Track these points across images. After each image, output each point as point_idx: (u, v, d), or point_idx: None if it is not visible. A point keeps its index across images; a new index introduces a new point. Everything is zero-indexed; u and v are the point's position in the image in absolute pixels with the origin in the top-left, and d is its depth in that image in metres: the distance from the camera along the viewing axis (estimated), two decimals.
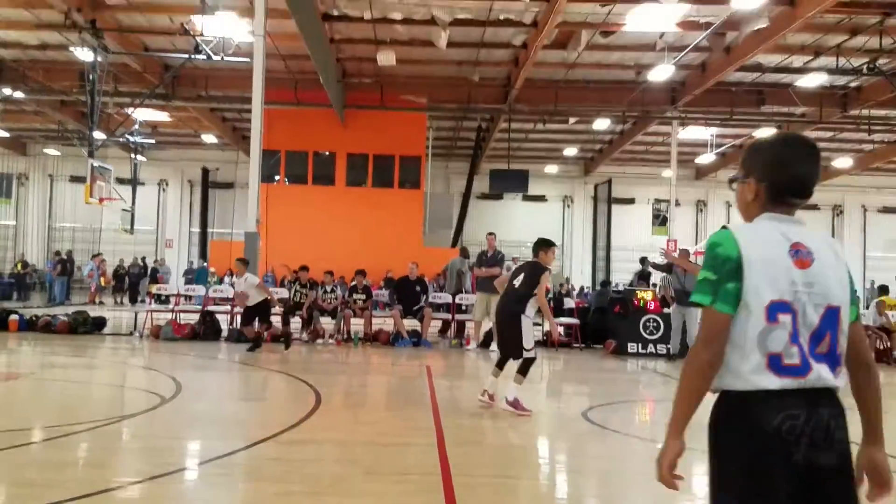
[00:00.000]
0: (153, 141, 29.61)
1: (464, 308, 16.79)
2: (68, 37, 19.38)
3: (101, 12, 18.97)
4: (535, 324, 17.14)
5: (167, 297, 19.32)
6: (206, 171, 36.09)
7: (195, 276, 28.90)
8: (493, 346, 15.14)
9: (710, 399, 2.44)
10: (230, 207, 34.70)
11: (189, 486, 5.59)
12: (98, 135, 21.20)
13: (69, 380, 10.55)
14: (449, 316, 16.75)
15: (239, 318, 14.89)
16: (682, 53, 19.82)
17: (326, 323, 16.19)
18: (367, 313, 16.16)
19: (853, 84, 23.14)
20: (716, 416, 2.43)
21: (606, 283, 22.33)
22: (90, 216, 32.11)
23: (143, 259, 32.04)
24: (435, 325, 16.85)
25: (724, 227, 2.50)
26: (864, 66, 19.68)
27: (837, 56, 19.81)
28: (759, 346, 2.34)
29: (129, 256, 31.56)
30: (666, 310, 15.33)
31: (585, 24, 18.90)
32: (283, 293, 17.05)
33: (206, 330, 15.64)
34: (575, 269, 37.70)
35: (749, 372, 2.34)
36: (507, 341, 8.50)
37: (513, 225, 37.21)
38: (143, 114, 26.03)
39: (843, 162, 33.09)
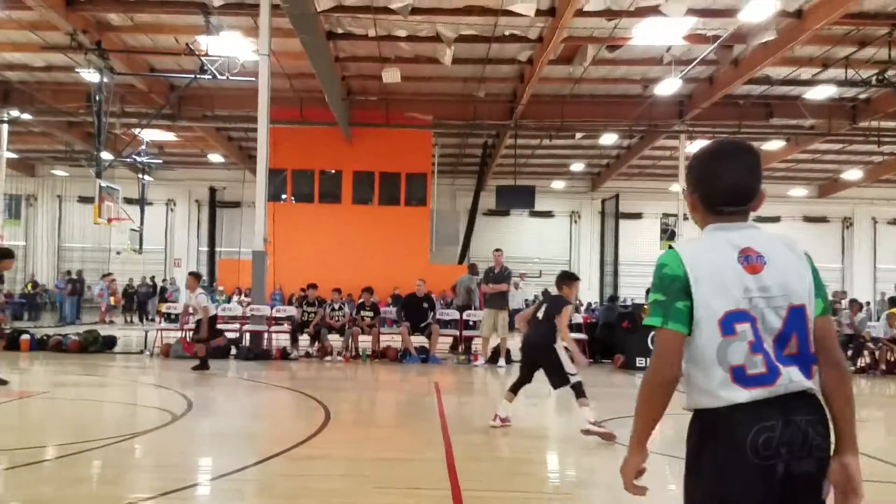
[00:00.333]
0: (160, 161, 29.74)
1: (471, 324, 16.77)
2: (74, 58, 19.49)
3: (106, 34, 19.10)
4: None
5: (176, 315, 19.34)
6: (213, 191, 36.26)
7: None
8: (501, 361, 15.19)
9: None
10: (237, 226, 34.83)
11: (201, 502, 5.60)
12: (105, 155, 21.28)
13: (81, 398, 10.56)
14: (457, 332, 16.71)
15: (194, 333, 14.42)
16: (690, 67, 19.82)
17: (334, 340, 16.19)
18: (374, 330, 16.16)
19: (862, 96, 23.09)
20: (690, 434, 2.42)
21: (614, 298, 22.27)
22: (99, 236, 32.22)
23: (153, 278, 32.17)
24: (445, 342, 16.82)
25: (670, 247, 2.49)
26: (873, 78, 19.61)
27: (846, 68, 19.75)
28: (720, 361, 2.31)
29: (138, 276, 31.66)
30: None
31: (591, 39, 18.90)
32: (292, 311, 17.07)
33: (216, 348, 15.63)
34: (582, 285, 37.36)
35: (715, 388, 2.31)
36: (550, 373, 8.32)
37: (520, 241, 37.27)
38: (149, 134, 26.15)
39: (852, 174, 33.09)
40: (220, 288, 28.13)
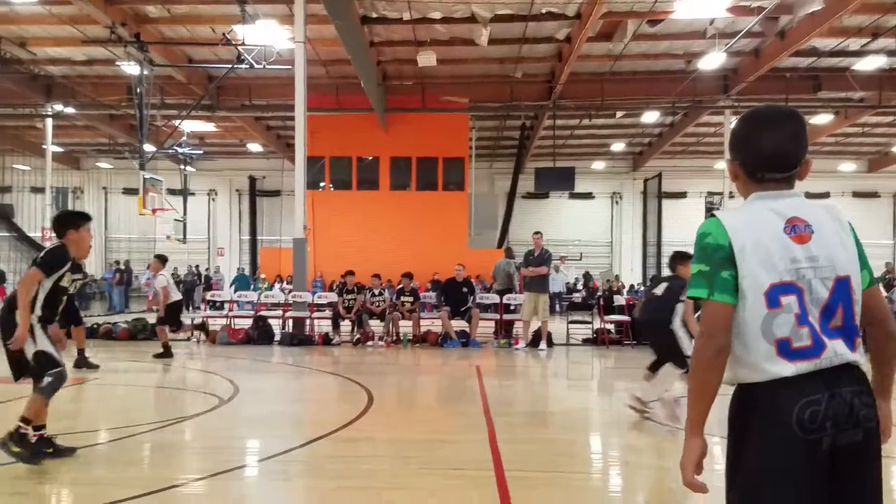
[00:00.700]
0: (201, 151, 30.02)
1: (512, 308, 16.73)
2: (114, 51, 19.74)
3: (144, 26, 19.33)
4: (584, 322, 17.24)
5: (221, 303, 19.61)
6: (252, 180, 36.57)
7: (235, 282, 29.29)
8: (542, 345, 15.14)
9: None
10: (278, 215, 35.11)
11: (250, 483, 5.69)
12: (148, 147, 21.58)
13: (131, 384, 10.77)
14: (497, 316, 16.69)
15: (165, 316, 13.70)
16: (734, 40, 19.34)
17: (375, 325, 16.27)
18: (415, 315, 16.19)
19: None
20: (734, 410, 2.37)
21: (657, 277, 22.06)
22: (144, 227, 32.71)
23: (197, 267, 32.60)
24: (486, 326, 16.82)
25: (712, 215, 2.42)
26: None
27: None
28: (765, 334, 2.26)
29: (182, 265, 32.08)
30: None
31: (631, 14, 18.55)
32: (333, 297, 17.18)
33: (260, 334, 15.83)
34: (625, 267, 37.32)
35: (760, 362, 2.27)
36: (666, 352, 8.04)
37: (560, 224, 37.07)
38: (190, 125, 26.42)
39: None
40: (262, 276, 28.44)
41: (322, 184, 27.52)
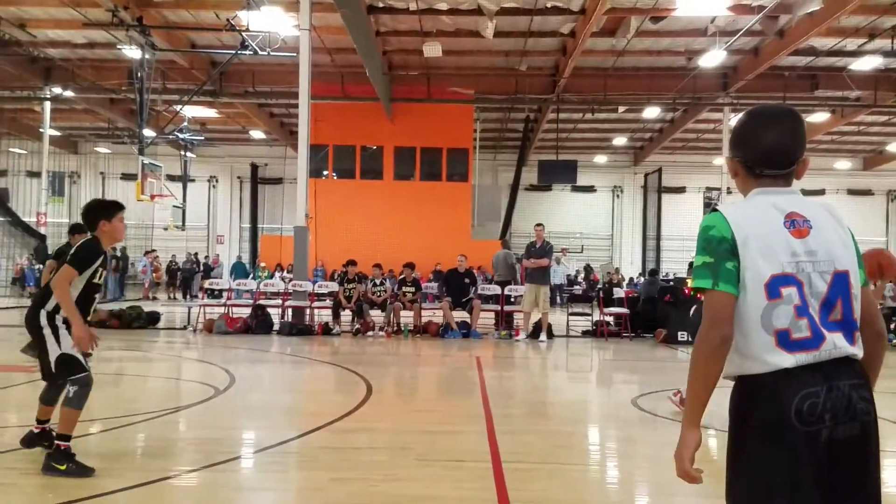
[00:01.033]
0: (202, 137, 29.99)
1: (513, 299, 16.70)
2: (116, 35, 19.64)
3: (147, 10, 19.20)
4: (584, 314, 17.25)
5: (220, 291, 19.57)
6: (254, 167, 36.46)
7: (232, 270, 29.26)
8: (543, 336, 15.13)
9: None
10: (279, 203, 35.03)
11: (245, 474, 5.65)
12: (148, 132, 21.52)
13: (126, 373, 10.72)
14: (498, 307, 16.67)
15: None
16: (734, 38, 19.40)
17: (376, 315, 16.24)
18: (416, 306, 16.17)
19: None
20: (734, 403, 2.38)
21: (655, 272, 22.05)
22: (142, 213, 32.58)
23: (196, 255, 32.53)
24: (487, 318, 16.80)
25: (714, 209, 2.45)
26: None
27: (893, 38, 19.28)
28: (765, 325, 2.28)
29: (181, 252, 32.04)
30: None
31: (635, 10, 18.57)
32: (334, 287, 17.15)
33: (258, 323, 15.79)
34: (625, 260, 37.39)
35: (760, 353, 2.29)
36: None
37: (562, 216, 37.09)
38: (191, 111, 26.36)
39: None
40: (263, 264, 28.41)
41: (325, 172, 27.46)
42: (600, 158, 36.70)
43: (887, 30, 19.18)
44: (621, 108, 26.86)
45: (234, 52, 19.24)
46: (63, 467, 5.10)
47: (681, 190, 37.44)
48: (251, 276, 26.78)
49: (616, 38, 20.66)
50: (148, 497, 4.86)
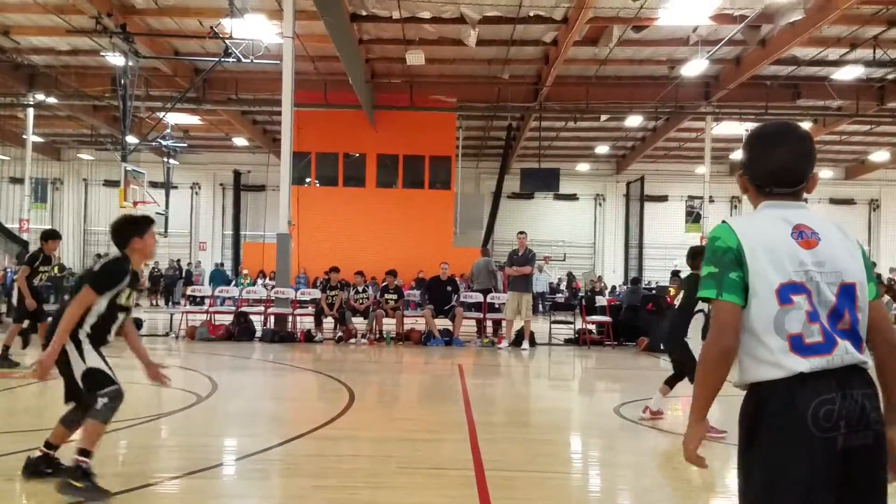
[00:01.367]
0: (185, 145, 29.84)
1: (496, 307, 16.74)
2: (99, 42, 19.59)
3: (130, 17, 19.18)
4: (567, 322, 17.30)
5: (202, 298, 19.50)
6: (237, 174, 36.37)
7: (211, 277, 29.13)
8: (525, 344, 15.16)
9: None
10: (262, 210, 34.97)
11: (226, 482, 5.64)
12: (131, 139, 21.43)
13: None
14: (480, 315, 16.69)
15: None
16: (717, 47, 19.57)
17: (358, 323, 16.23)
18: (398, 313, 16.16)
19: (890, 76, 22.72)
20: (747, 411, 2.41)
21: (637, 280, 22.20)
22: None
23: (178, 261, 32.37)
24: (469, 325, 16.82)
25: (723, 222, 2.52)
26: None
27: (874, 48, 19.51)
28: (778, 330, 2.32)
29: (163, 259, 31.86)
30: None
31: (617, 19, 18.69)
32: (316, 294, 17.13)
33: (241, 331, 15.73)
34: (607, 268, 37.52)
35: (774, 358, 2.32)
36: (686, 369, 7.92)
37: (544, 224, 37.19)
38: (174, 118, 26.26)
39: (880, 156, 32.67)
40: (245, 271, 28.32)
41: (308, 179, 27.45)
42: (583, 167, 36.83)
43: (868, 40, 19.40)
44: (604, 117, 27.00)
45: (217, 59, 19.19)
46: (80, 485, 4.77)
47: (663, 198, 37.64)
48: (233, 283, 26.68)
49: (598, 47, 20.77)
50: None
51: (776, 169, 2.50)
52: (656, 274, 33.37)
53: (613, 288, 32.05)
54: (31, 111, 26.63)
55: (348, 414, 7.97)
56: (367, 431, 7.21)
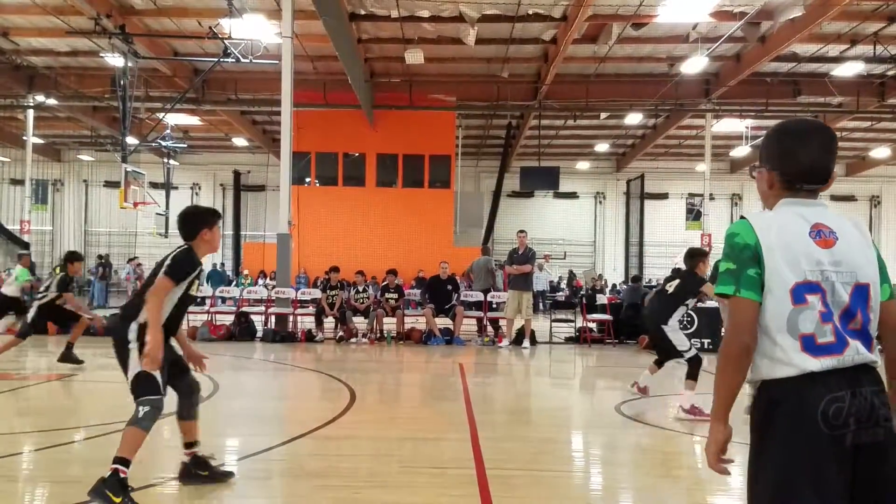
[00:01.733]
0: (185, 145, 29.78)
1: (495, 306, 16.73)
2: (98, 43, 19.56)
3: (129, 18, 19.16)
4: (567, 320, 17.30)
5: (203, 299, 19.49)
6: (237, 175, 36.38)
7: (208, 278, 29.11)
8: (526, 343, 15.17)
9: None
10: (262, 210, 34.99)
11: (229, 481, 5.61)
12: (131, 140, 21.40)
13: (109, 380, 10.63)
14: (481, 314, 16.69)
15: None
16: (716, 44, 19.51)
17: (359, 322, 16.23)
18: (399, 312, 16.16)
19: (891, 73, 22.64)
20: (757, 408, 2.41)
21: (638, 278, 22.17)
22: (125, 220, 32.50)
23: None
24: (470, 324, 16.82)
25: (742, 217, 2.52)
26: None
27: (875, 44, 19.44)
28: (790, 330, 2.34)
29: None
30: (700, 304, 15.10)
31: (616, 17, 18.67)
32: (317, 294, 17.13)
33: (242, 331, 15.74)
34: (608, 266, 37.52)
35: (786, 357, 2.33)
36: (663, 352, 8.54)
37: (544, 223, 37.19)
38: (174, 118, 26.25)
39: (880, 152, 32.62)
40: (246, 271, 28.32)
41: (308, 179, 27.44)
42: (582, 165, 36.81)
43: (869, 36, 19.33)
44: (603, 115, 26.98)
45: (216, 59, 19.17)
46: (118, 500, 4.62)
47: (663, 196, 37.62)
48: (233, 283, 26.68)
49: (598, 45, 20.74)
50: None
51: (809, 165, 2.51)
52: (657, 272, 33.33)
53: (614, 286, 32.04)
54: (30, 112, 26.61)
55: (349, 413, 7.97)
56: (369, 431, 7.22)
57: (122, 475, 4.69)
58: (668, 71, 23.15)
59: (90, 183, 37.39)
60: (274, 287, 17.77)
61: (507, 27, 19.74)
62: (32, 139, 28.18)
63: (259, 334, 15.93)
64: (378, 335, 15.90)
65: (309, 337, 15.68)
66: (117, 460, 4.74)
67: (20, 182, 29.64)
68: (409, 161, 27.48)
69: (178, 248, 5.15)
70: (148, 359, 4.81)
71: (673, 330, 8.31)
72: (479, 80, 24.55)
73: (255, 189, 36.75)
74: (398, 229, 26.25)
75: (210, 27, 17.90)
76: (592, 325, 16.63)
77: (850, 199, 37.60)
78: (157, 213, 26.07)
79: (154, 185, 25.64)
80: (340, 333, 15.79)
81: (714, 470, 2.48)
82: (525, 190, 33.65)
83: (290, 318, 16.49)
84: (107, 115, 27.71)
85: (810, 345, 2.32)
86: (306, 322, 16.74)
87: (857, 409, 2.27)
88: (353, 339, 15.66)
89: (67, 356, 11.30)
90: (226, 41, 18.02)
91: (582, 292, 23.46)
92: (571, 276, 33.65)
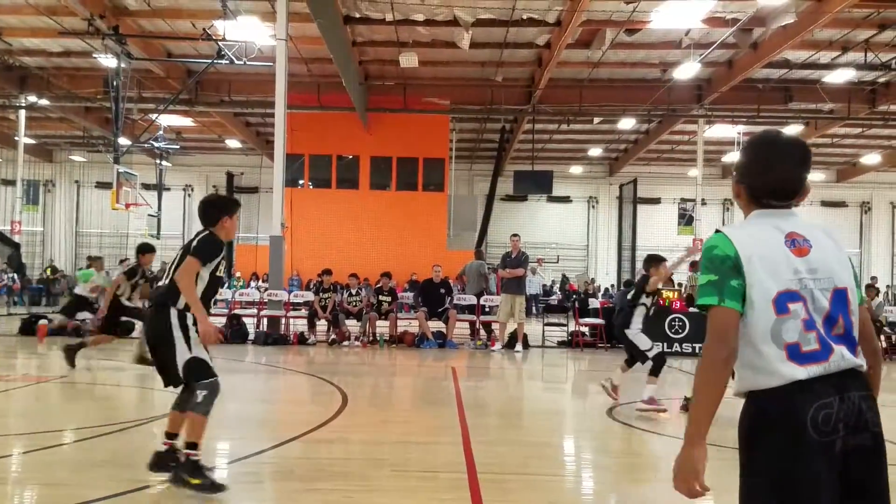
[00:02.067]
0: (178, 146, 29.80)
1: (487, 309, 16.75)
2: (91, 43, 19.53)
3: (123, 18, 19.12)
4: (560, 324, 17.32)
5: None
6: (230, 176, 36.22)
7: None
8: (518, 346, 15.18)
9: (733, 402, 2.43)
10: (255, 212, 34.89)
11: None
12: (123, 141, 21.36)
13: (99, 382, 10.64)
14: (473, 317, 16.69)
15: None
16: (709, 51, 19.62)
17: (351, 325, 16.22)
18: (392, 315, 16.16)
19: (882, 79, 22.80)
20: (746, 419, 2.40)
21: (630, 282, 22.17)
22: (117, 222, 32.40)
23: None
24: (463, 328, 16.82)
25: (717, 231, 2.52)
26: (893, 61, 19.43)
27: (866, 51, 19.51)
28: (775, 339, 2.33)
29: (156, 262, 31.69)
30: (692, 309, 15.17)
31: (610, 23, 18.74)
32: (310, 296, 17.12)
33: (234, 333, 15.69)
34: (600, 270, 37.54)
35: (772, 367, 2.33)
36: (631, 353, 8.89)
37: (537, 226, 37.16)
38: (167, 119, 26.21)
39: (871, 158, 32.77)
40: (238, 274, 28.26)
41: (301, 182, 27.41)
42: (576, 169, 36.87)
43: (860, 43, 19.42)
44: (596, 120, 27.01)
45: (210, 61, 19.17)
46: (197, 482, 4.91)
47: (656, 201, 37.69)
48: (225, 285, 26.62)
49: (591, 50, 20.81)
50: None
51: (775, 183, 2.51)
52: None
53: (606, 290, 32.08)
54: (22, 113, 26.54)
55: (341, 417, 7.95)
56: (360, 434, 7.21)
57: (193, 458, 4.96)
58: (660, 76, 23.24)
59: (82, 184, 37.21)
60: (266, 289, 17.74)
61: (501, 31, 19.77)
62: (24, 139, 28.09)
63: (251, 337, 15.89)
64: (371, 338, 15.89)
65: (301, 340, 15.66)
66: (188, 445, 5.00)
67: (11, 182, 29.49)
68: (403, 164, 27.49)
69: (201, 232, 5.26)
70: (205, 335, 4.95)
71: (635, 333, 8.69)
72: (474, 84, 24.58)
73: (248, 191, 36.61)
74: (391, 232, 26.24)
75: (204, 29, 17.90)
76: (585, 330, 16.65)
77: (840, 205, 37.74)
78: (150, 215, 26.03)
79: (146, 187, 25.61)
80: (333, 336, 15.78)
81: (683, 492, 2.36)
82: (518, 194, 33.67)
83: (283, 320, 16.46)
84: (99, 116, 27.65)
85: (795, 353, 2.32)
86: (299, 325, 16.71)
87: (845, 415, 2.27)
88: (346, 342, 15.65)
89: (72, 354, 11.08)
90: (220, 43, 18.02)
91: (574, 296, 23.49)
92: (564, 280, 33.67)
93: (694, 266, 21.89)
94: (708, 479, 2.33)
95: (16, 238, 27.85)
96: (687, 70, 20.75)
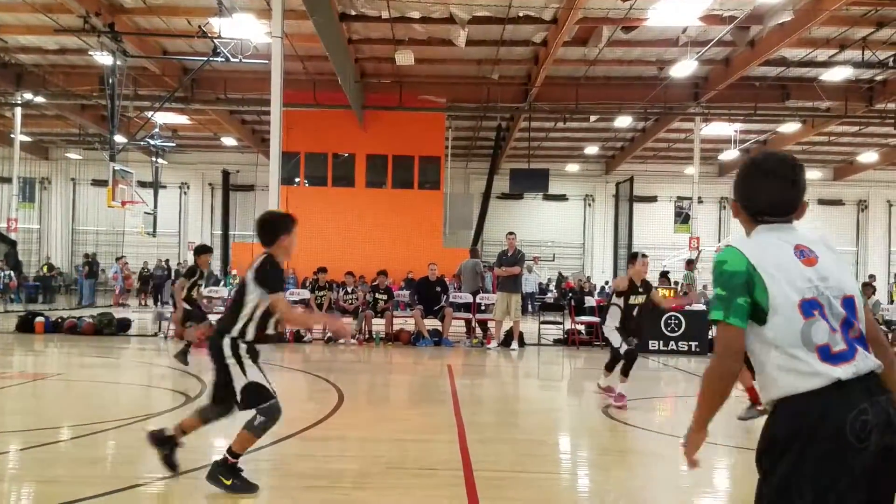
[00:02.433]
0: (174, 144, 29.72)
1: (483, 308, 16.74)
2: (87, 41, 19.51)
3: (119, 16, 19.11)
4: (556, 322, 17.33)
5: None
6: (226, 174, 36.21)
7: None
8: (514, 344, 15.18)
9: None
10: (251, 210, 34.83)
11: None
12: (119, 138, 21.32)
13: (95, 380, 10.62)
14: (469, 315, 16.68)
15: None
16: (706, 48, 19.63)
17: (348, 323, 16.19)
18: (388, 313, 16.15)
19: (879, 78, 22.83)
20: (779, 424, 2.41)
21: None
22: (113, 219, 32.34)
23: (167, 261, 32.23)
24: (459, 326, 16.81)
25: (728, 246, 2.59)
26: (891, 59, 19.40)
27: (863, 49, 19.54)
28: (805, 343, 2.38)
29: (152, 259, 31.76)
30: (689, 307, 15.17)
31: (606, 20, 18.73)
32: (305, 294, 17.10)
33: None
34: (596, 268, 37.59)
35: (810, 368, 2.36)
36: (610, 350, 9.31)
37: (534, 224, 37.20)
38: (163, 117, 26.16)
39: (868, 157, 32.80)
40: (234, 272, 28.24)
41: (297, 179, 27.40)
42: (572, 167, 36.88)
43: (857, 41, 19.44)
44: (593, 117, 27.02)
45: (205, 58, 19.12)
46: (228, 482, 5.05)
47: (652, 199, 37.74)
48: (221, 283, 26.59)
49: (588, 48, 20.80)
50: None
51: (770, 202, 2.61)
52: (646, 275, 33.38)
53: (602, 288, 32.09)
54: (18, 110, 26.50)
55: (337, 414, 7.96)
56: (357, 432, 7.21)
57: (231, 462, 5.11)
58: (657, 74, 23.24)
59: (78, 181, 37.20)
60: None
61: (497, 29, 19.76)
62: (20, 137, 28.07)
63: None
64: (367, 336, 15.89)
65: (297, 337, 15.66)
66: (229, 451, 5.12)
67: (7, 180, 29.43)
68: (399, 162, 27.47)
69: (262, 259, 5.18)
70: (338, 332, 5.16)
71: (609, 330, 9.08)
72: (470, 82, 24.57)
73: (243, 189, 36.65)
74: (387, 230, 26.23)
75: (200, 26, 17.86)
76: (580, 328, 16.66)
77: (837, 203, 37.83)
78: (146, 213, 25.98)
79: (142, 184, 25.53)
80: (329, 334, 15.76)
81: (689, 462, 2.69)
82: (514, 192, 33.71)
83: None
84: (95, 114, 27.60)
85: (827, 354, 2.36)
86: None
87: (878, 420, 2.30)
88: (342, 340, 15.63)
89: (183, 356, 11.36)
90: (215, 40, 17.97)
91: (570, 295, 23.49)
92: (560, 278, 33.69)
93: (690, 265, 21.93)
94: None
95: (12, 236, 27.88)
96: (684, 68, 20.72)
